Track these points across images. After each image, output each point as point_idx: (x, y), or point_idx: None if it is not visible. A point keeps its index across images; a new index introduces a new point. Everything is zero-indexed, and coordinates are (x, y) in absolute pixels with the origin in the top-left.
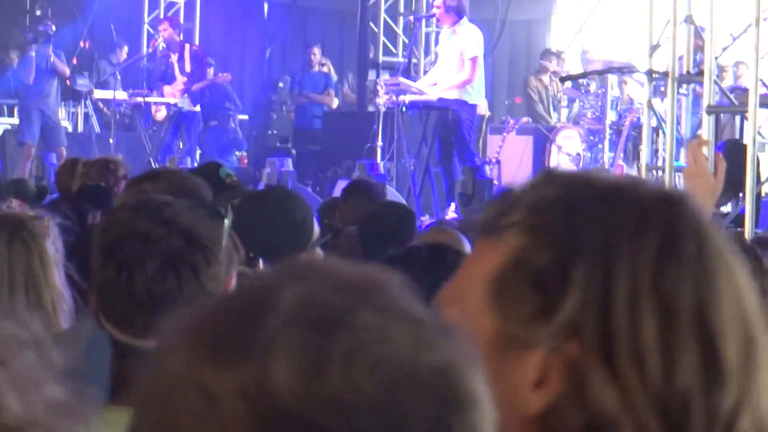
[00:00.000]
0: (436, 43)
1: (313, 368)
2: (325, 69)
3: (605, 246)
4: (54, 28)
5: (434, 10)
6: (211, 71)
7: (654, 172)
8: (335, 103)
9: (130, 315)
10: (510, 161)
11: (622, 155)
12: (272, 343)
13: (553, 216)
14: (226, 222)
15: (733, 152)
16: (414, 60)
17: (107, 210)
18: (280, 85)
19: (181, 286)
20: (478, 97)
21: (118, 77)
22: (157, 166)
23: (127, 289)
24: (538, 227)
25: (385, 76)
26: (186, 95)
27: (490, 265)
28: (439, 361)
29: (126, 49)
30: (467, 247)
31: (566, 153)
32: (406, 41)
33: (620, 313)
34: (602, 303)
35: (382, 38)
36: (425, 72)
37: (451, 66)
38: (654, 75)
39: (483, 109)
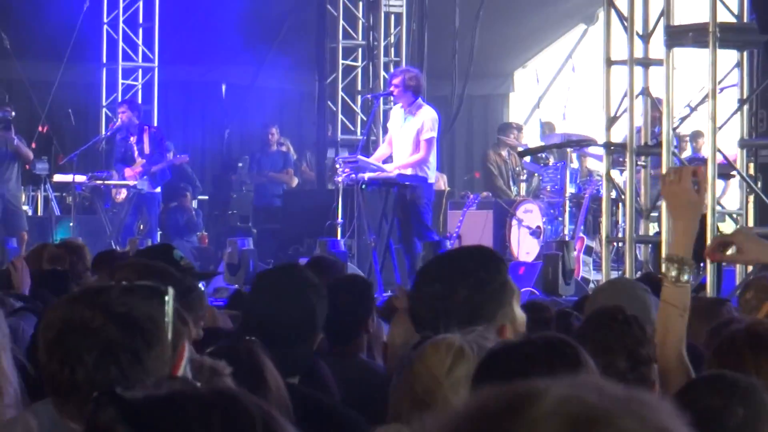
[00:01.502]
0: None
1: None
2: (284, 148)
3: None
4: (13, 113)
5: (392, 89)
6: (170, 153)
7: (614, 243)
8: (295, 181)
9: (80, 407)
10: (471, 236)
11: (582, 228)
12: (533, 430)
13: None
14: (168, 298)
15: None
16: (372, 137)
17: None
18: (240, 165)
19: (124, 373)
20: (432, 175)
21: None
22: (117, 248)
23: (72, 382)
24: None
25: (344, 154)
26: (145, 177)
27: None
28: None
29: None
30: None
31: (526, 227)
32: (365, 119)
33: None
34: None
35: (340, 116)
36: None
37: (407, 145)
38: (612, 147)
39: (442, 184)
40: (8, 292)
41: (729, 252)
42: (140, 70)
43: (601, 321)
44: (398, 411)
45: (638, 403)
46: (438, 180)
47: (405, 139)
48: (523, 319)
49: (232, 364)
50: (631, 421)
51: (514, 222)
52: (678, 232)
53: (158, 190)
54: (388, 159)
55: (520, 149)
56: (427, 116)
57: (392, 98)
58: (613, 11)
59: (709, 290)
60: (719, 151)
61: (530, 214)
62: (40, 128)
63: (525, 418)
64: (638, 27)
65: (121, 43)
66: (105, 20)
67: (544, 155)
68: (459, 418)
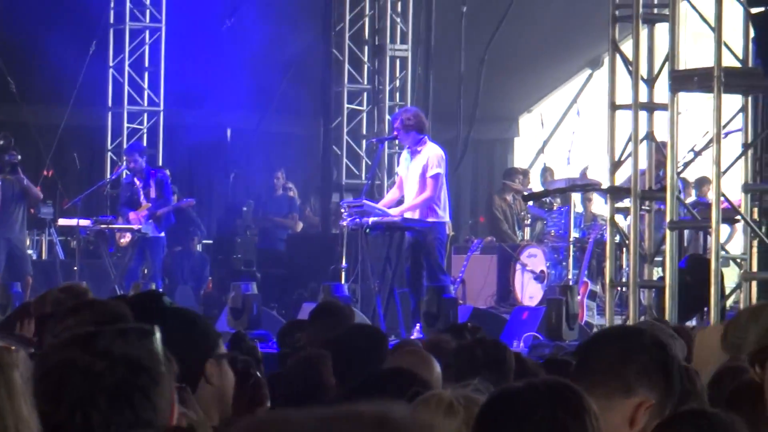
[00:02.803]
0: (398, 164)
1: None
2: (291, 193)
3: None
4: (19, 157)
5: (395, 132)
6: (175, 197)
7: (618, 288)
8: (299, 226)
9: None
10: (474, 280)
11: (586, 272)
12: None
13: None
14: (156, 337)
15: (697, 267)
16: (377, 181)
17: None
18: (244, 209)
19: (136, 413)
20: (444, 214)
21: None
22: (121, 292)
23: (84, 428)
24: None
25: (348, 198)
26: (150, 221)
27: None
28: None
29: None
30: (437, 368)
31: (530, 271)
32: (369, 163)
33: None
34: None
35: (344, 160)
36: (388, 193)
37: (415, 184)
38: (616, 191)
39: (448, 228)
40: (14, 335)
41: None
42: (145, 114)
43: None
44: None
45: None
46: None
47: (412, 179)
48: None
49: None
50: None
51: (518, 266)
52: None
53: (163, 234)
54: (399, 202)
55: (525, 193)
56: (432, 153)
57: (397, 141)
58: (618, 56)
59: None
60: (723, 196)
61: (534, 259)
62: (45, 172)
63: None
64: (643, 71)
65: (126, 87)
66: (111, 64)
67: (548, 200)
68: None
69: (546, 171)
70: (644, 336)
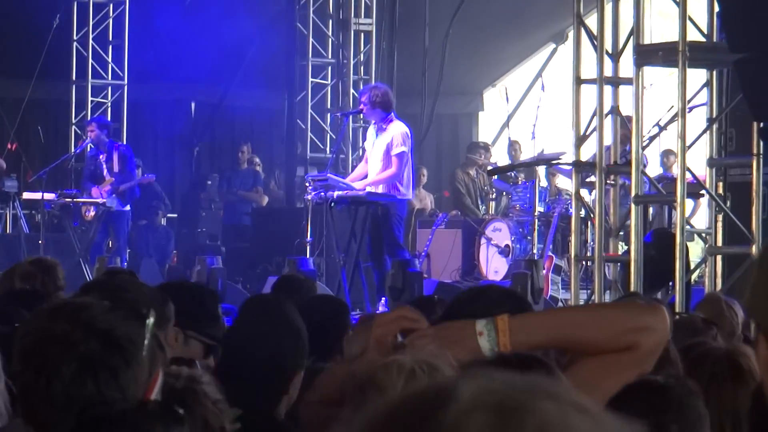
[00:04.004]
0: (364, 138)
1: None
2: (257, 167)
3: None
4: None
5: (361, 106)
6: (139, 171)
7: (583, 262)
8: (264, 200)
9: (51, 419)
10: (439, 254)
11: (551, 247)
12: (459, 428)
13: None
14: (149, 322)
15: (662, 241)
16: (342, 155)
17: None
18: (209, 182)
19: (99, 389)
20: (407, 192)
21: None
22: (86, 266)
23: (46, 393)
24: None
25: (313, 172)
26: (114, 195)
27: None
28: None
29: None
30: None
31: (495, 245)
32: (334, 137)
33: None
34: None
35: (309, 134)
36: (353, 167)
37: (378, 161)
38: (581, 166)
39: (429, 203)
40: None
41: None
42: (110, 88)
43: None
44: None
45: (549, 385)
46: (425, 198)
47: (376, 156)
48: None
49: None
50: (549, 403)
51: (483, 241)
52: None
53: (128, 208)
54: (365, 177)
55: (489, 168)
56: (397, 131)
57: (362, 116)
58: (582, 30)
59: (678, 309)
60: (688, 170)
61: (499, 233)
62: (9, 145)
63: (442, 422)
64: (608, 46)
65: (90, 61)
66: (75, 37)
67: (513, 174)
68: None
69: (513, 144)
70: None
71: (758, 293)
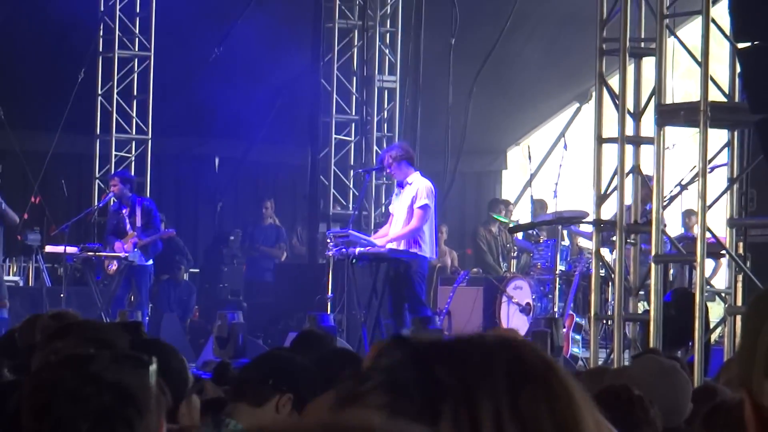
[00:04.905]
0: (386, 195)
1: None
2: (276, 222)
3: (464, 387)
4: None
5: (387, 171)
6: (163, 226)
7: (603, 321)
8: (284, 256)
9: None
10: (460, 312)
11: (571, 305)
12: None
13: (411, 372)
14: (152, 368)
15: (682, 300)
16: (364, 212)
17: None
18: (232, 238)
19: None
20: (428, 248)
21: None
22: (108, 320)
23: None
24: (399, 384)
25: (335, 228)
26: (136, 249)
27: None
28: None
29: None
30: None
31: (516, 303)
32: (356, 193)
33: None
34: None
35: (332, 190)
36: (375, 224)
37: (402, 216)
38: (602, 225)
39: (449, 261)
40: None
41: None
42: (134, 142)
43: (604, 400)
44: None
45: None
46: (446, 255)
47: (400, 210)
48: None
49: None
50: None
51: (504, 299)
52: None
53: (150, 262)
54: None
55: (511, 225)
56: (422, 185)
57: (386, 173)
58: (605, 89)
59: (696, 369)
60: (709, 230)
61: (520, 291)
62: (32, 199)
63: None
64: (630, 105)
65: (114, 115)
66: (99, 92)
67: (535, 232)
68: None
69: (538, 202)
70: None
71: (741, 353)
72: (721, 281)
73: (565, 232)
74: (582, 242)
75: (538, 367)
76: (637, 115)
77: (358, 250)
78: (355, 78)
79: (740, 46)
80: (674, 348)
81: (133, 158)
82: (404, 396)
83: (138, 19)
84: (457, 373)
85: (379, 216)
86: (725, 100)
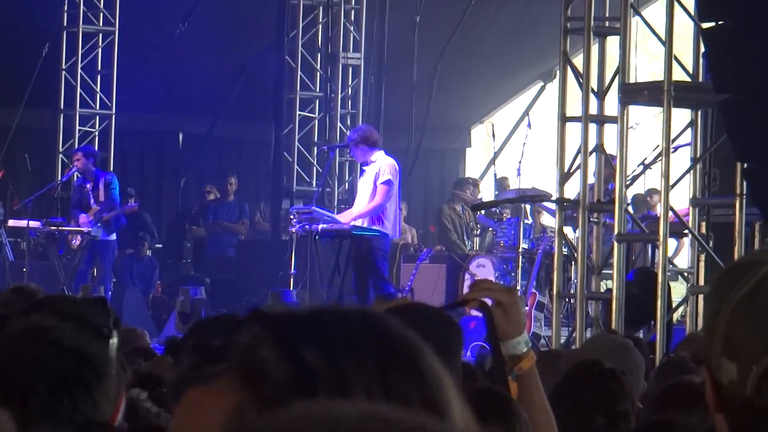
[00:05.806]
0: (350, 172)
1: None
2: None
3: (336, 374)
4: None
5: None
6: (132, 200)
7: (566, 299)
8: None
9: None
10: (423, 289)
11: (534, 283)
12: None
13: (270, 350)
14: (113, 341)
15: (644, 280)
16: (327, 189)
17: None
18: (195, 213)
19: (75, 405)
20: (390, 226)
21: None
22: (70, 294)
23: (22, 413)
24: (258, 365)
25: (298, 205)
26: (99, 224)
27: (214, 412)
28: None
29: None
30: None
31: None
32: (320, 170)
33: None
34: None
35: (295, 167)
36: (339, 200)
37: (366, 194)
38: (565, 203)
39: (410, 237)
40: None
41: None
42: (97, 117)
43: (577, 377)
44: None
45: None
46: (406, 232)
47: (365, 188)
48: None
49: None
50: None
51: (467, 276)
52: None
53: (113, 237)
54: None
55: (474, 204)
56: (385, 162)
57: (349, 150)
58: (569, 68)
59: (658, 348)
60: (672, 209)
61: (483, 269)
62: None
63: None
64: (594, 84)
65: (78, 90)
66: (63, 66)
67: (498, 210)
68: None
69: (501, 181)
70: None
71: (704, 331)
72: (683, 260)
73: (528, 210)
74: (545, 220)
75: (407, 350)
76: (601, 94)
77: (321, 226)
78: (319, 55)
79: (704, 25)
80: (636, 327)
81: (97, 133)
82: (264, 378)
83: None
84: (325, 358)
85: (342, 193)
86: (689, 79)
